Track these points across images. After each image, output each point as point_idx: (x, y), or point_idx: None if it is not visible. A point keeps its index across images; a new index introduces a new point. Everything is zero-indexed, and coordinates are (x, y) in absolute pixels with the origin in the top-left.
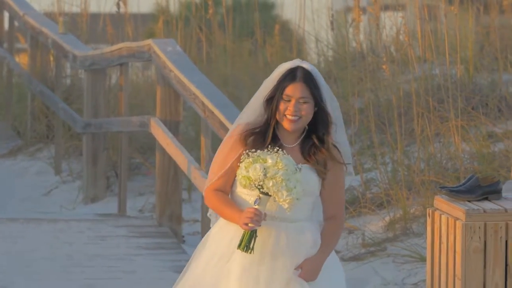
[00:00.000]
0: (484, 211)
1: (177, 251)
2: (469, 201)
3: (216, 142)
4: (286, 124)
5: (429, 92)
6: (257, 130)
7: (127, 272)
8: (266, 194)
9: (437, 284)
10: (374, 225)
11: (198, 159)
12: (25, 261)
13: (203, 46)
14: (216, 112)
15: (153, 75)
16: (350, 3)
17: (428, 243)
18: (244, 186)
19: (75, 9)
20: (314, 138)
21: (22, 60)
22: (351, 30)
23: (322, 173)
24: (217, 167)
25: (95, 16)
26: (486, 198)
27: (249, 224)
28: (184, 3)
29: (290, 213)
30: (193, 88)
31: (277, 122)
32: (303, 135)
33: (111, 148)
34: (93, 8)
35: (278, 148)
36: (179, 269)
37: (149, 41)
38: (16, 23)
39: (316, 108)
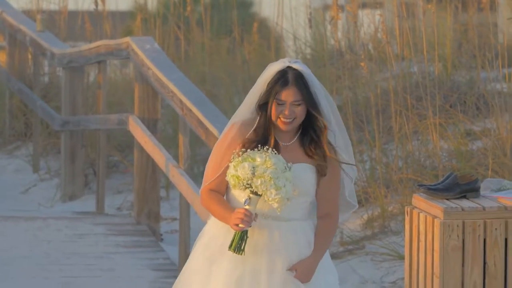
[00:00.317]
0: (462, 209)
1: (155, 249)
2: (447, 199)
3: (194, 140)
4: (281, 125)
5: (407, 90)
6: (256, 136)
7: (105, 270)
8: (256, 193)
9: (415, 283)
10: (352, 223)
11: (176, 157)
12: (2, 259)
13: (181, 44)
14: (194, 110)
15: (131, 73)
16: (328, 1)
17: (406, 241)
18: (233, 186)
19: (53, 7)
20: (311, 133)
21: (0, 58)
22: (329, 27)
23: (324, 169)
24: (212, 168)
25: (73, 14)
26: (464, 196)
27: (239, 225)
28: (162, 1)
29: (284, 212)
30: (171, 86)
31: (273, 127)
32: (299, 132)
33: (89, 146)
34: (71, 6)
35: (268, 147)
36: (157, 267)
37: (127, 39)
38: None
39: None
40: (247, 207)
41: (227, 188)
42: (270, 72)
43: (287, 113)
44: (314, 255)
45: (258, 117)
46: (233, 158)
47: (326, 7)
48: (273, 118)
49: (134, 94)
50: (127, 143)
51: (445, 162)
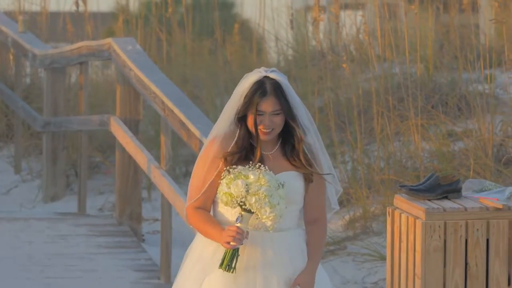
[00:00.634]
0: (444, 210)
1: (137, 250)
2: (429, 200)
3: (176, 141)
4: (261, 136)
5: (389, 91)
6: (237, 148)
7: (87, 271)
8: (248, 211)
9: (397, 283)
10: (334, 223)
11: (158, 158)
12: None
13: (163, 45)
14: (176, 111)
15: (113, 74)
16: (310, 2)
17: (388, 242)
18: (226, 203)
19: (35, 8)
20: (292, 141)
21: None
22: (311, 29)
23: (310, 175)
24: (196, 185)
25: (54, 15)
26: (446, 197)
27: (231, 243)
28: (143, 2)
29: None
30: (153, 87)
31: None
32: (280, 140)
33: (71, 146)
34: (52, 7)
35: (260, 164)
36: (138, 268)
37: (109, 40)
38: None
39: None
40: (238, 224)
41: (212, 203)
42: (247, 83)
43: (266, 123)
44: (311, 263)
45: (238, 130)
46: (224, 175)
47: (308, 8)
48: (253, 129)
49: (115, 95)
50: (109, 144)
51: (427, 163)
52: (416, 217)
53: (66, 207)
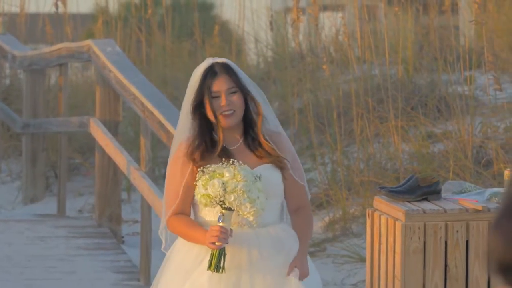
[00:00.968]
0: (424, 212)
1: (117, 252)
2: (408, 201)
3: (155, 142)
4: (222, 122)
5: (369, 93)
6: (198, 142)
7: (66, 273)
8: (229, 209)
9: (377, 285)
10: (314, 225)
11: (137, 160)
12: None
13: (143, 47)
14: (156, 112)
15: (92, 75)
16: (289, 4)
17: (368, 244)
18: (205, 205)
19: (14, 9)
20: (252, 134)
21: None
22: (290, 30)
23: (279, 163)
24: (173, 193)
25: (34, 16)
26: (426, 199)
27: (216, 243)
28: (123, 4)
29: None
30: (132, 88)
31: (213, 127)
32: (242, 136)
33: (50, 148)
34: (32, 8)
35: (233, 160)
36: (118, 270)
37: (89, 42)
38: None
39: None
40: (221, 224)
41: (191, 207)
42: (197, 73)
43: (224, 103)
44: (302, 248)
45: (194, 121)
46: (199, 176)
47: (287, 10)
48: (213, 115)
49: (95, 96)
50: (88, 146)
51: (407, 164)
52: (395, 219)
53: (45, 209)
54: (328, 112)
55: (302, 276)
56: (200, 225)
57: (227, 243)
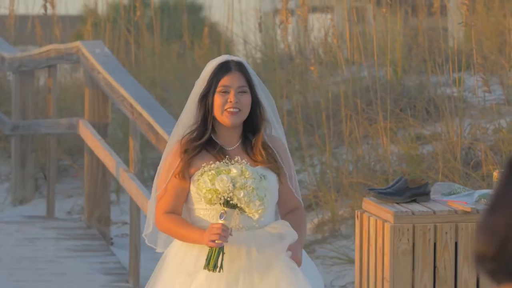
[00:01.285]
0: (413, 213)
1: (106, 253)
2: (397, 203)
3: (144, 144)
4: (226, 119)
5: (358, 94)
6: (195, 133)
7: (56, 275)
8: (232, 207)
9: (366, 286)
10: None
11: (126, 161)
12: None
13: (131, 48)
14: (145, 114)
15: (81, 77)
16: (278, 5)
17: (357, 245)
18: (209, 201)
19: (3, 11)
20: (250, 136)
21: None
22: (279, 32)
23: (276, 169)
24: (161, 186)
25: (23, 18)
26: (415, 200)
27: (217, 241)
28: (112, 5)
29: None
30: (121, 90)
31: (213, 125)
32: (241, 138)
33: (39, 150)
34: (21, 10)
35: (237, 157)
36: (107, 271)
37: (78, 43)
38: None
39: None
40: (222, 221)
41: (183, 208)
42: (210, 66)
43: (232, 99)
44: (294, 245)
45: (201, 112)
46: (203, 172)
47: (276, 12)
48: (218, 110)
49: (84, 98)
50: (77, 148)
51: (395, 166)
52: (384, 220)
53: (34, 211)
54: (317, 114)
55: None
56: (193, 225)
57: (227, 241)
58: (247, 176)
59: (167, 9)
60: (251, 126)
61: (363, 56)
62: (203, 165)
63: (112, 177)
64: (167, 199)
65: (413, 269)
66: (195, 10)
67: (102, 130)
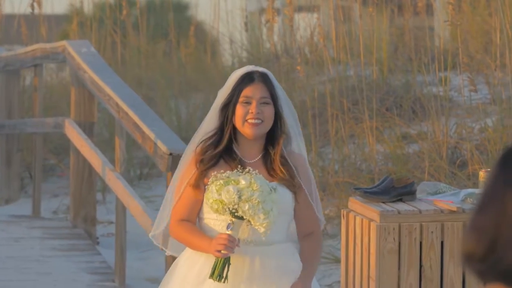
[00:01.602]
0: (399, 212)
1: (92, 253)
2: (383, 202)
3: (130, 143)
4: (248, 130)
5: (344, 93)
6: (211, 141)
7: (41, 274)
8: (239, 218)
9: (352, 285)
10: None
11: (112, 161)
12: None
13: (118, 48)
14: (130, 113)
15: (67, 76)
16: (264, 4)
17: (343, 244)
18: (216, 211)
19: None
20: (271, 150)
21: None
22: (265, 31)
23: (292, 187)
24: (178, 194)
25: (9, 17)
26: (401, 200)
27: (222, 251)
28: (98, 4)
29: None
30: (107, 89)
31: (233, 136)
32: (265, 150)
33: (25, 149)
34: (7, 9)
35: (249, 168)
36: (93, 271)
37: (64, 42)
38: None
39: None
40: (229, 232)
41: (197, 218)
42: (234, 76)
43: (254, 111)
44: (304, 277)
45: (219, 122)
46: (212, 181)
47: (262, 11)
48: (239, 121)
49: (70, 97)
50: (63, 147)
51: (381, 165)
52: (370, 220)
53: (20, 210)
54: (303, 113)
55: None
56: (204, 234)
57: (233, 252)
58: (254, 188)
59: (153, 8)
60: (272, 139)
61: (349, 55)
62: (213, 173)
63: (98, 177)
64: (181, 208)
65: (399, 268)
66: (181, 9)
67: (88, 129)
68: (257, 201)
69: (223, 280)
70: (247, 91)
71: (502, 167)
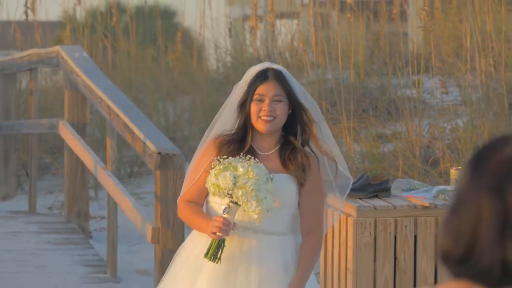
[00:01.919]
0: (374, 208)
1: (85, 246)
2: (360, 198)
3: (121, 143)
4: (261, 126)
5: (322, 96)
6: (232, 137)
7: (38, 266)
8: (236, 203)
9: (330, 277)
10: None
11: (104, 159)
12: None
13: (108, 52)
14: (121, 114)
15: (61, 79)
16: (247, 11)
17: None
18: (213, 194)
19: None
20: (293, 140)
21: None
22: (248, 37)
23: (301, 179)
24: (189, 177)
25: (5, 24)
26: (376, 196)
27: (217, 233)
28: (90, 11)
29: (265, 224)
30: (99, 92)
31: (251, 129)
32: (281, 142)
33: (21, 149)
34: (3, 16)
35: (250, 156)
36: (86, 263)
37: (57, 48)
38: None
39: (290, 111)
40: (225, 215)
41: (205, 199)
42: (249, 73)
43: (266, 108)
44: (300, 275)
45: (238, 119)
46: (214, 165)
47: (245, 18)
48: (253, 117)
49: (64, 100)
50: (58, 146)
51: (358, 163)
52: (348, 215)
53: (17, 206)
54: None
55: None
56: (207, 215)
57: (227, 235)
58: (250, 176)
59: (142, 15)
60: (293, 133)
61: (327, 59)
62: (217, 158)
63: (91, 174)
64: (190, 190)
65: (375, 261)
66: (169, 16)
67: (81, 130)
68: (250, 188)
69: (216, 261)
70: (260, 89)
71: (475, 170)
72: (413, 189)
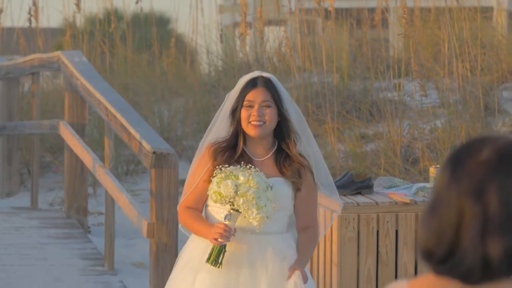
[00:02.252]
0: (358, 204)
1: (84, 240)
2: (344, 195)
3: (118, 142)
4: (251, 131)
5: (308, 98)
6: (225, 144)
7: (39, 259)
8: (237, 210)
9: (316, 270)
10: None
11: (102, 158)
12: None
13: (106, 57)
14: (118, 116)
15: (61, 83)
16: (237, 19)
17: None
18: (215, 201)
19: None
20: (285, 148)
21: None
22: (238, 42)
23: (298, 184)
24: (188, 184)
25: (9, 30)
26: (359, 193)
27: (219, 239)
28: (89, 19)
29: (263, 226)
30: (97, 94)
31: (243, 136)
32: (274, 148)
33: (24, 148)
34: (7, 23)
35: (251, 165)
36: (85, 256)
37: (58, 53)
38: None
39: (279, 118)
40: (227, 222)
41: (203, 205)
42: (240, 82)
43: (256, 113)
44: (301, 257)
45: (232, 127)
46: (216, 173)
47: (235, 24)
48: (244, 123)
49: (64, 102)
50: (58, 146)
51: (342, 162)
52: (332, 211)
53: (20, 202)
54: None
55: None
56: (207, 221)
57: (228, 241)
58: (251, 185)
59: (139, 22)
60: (281, 139)
61: (313, 64)
62: (219, 166)
63: (89, 172)
64: (189, 197)
65: (358, 254)
66: (163, 23)
67: (80, 130)
68: (251, 196)
69: (218, 265)
70: (250, 96)
71: (454, 171)
72: (394, 187)
